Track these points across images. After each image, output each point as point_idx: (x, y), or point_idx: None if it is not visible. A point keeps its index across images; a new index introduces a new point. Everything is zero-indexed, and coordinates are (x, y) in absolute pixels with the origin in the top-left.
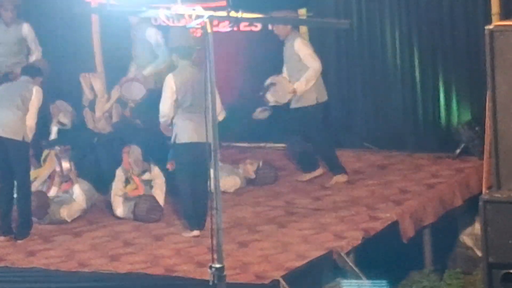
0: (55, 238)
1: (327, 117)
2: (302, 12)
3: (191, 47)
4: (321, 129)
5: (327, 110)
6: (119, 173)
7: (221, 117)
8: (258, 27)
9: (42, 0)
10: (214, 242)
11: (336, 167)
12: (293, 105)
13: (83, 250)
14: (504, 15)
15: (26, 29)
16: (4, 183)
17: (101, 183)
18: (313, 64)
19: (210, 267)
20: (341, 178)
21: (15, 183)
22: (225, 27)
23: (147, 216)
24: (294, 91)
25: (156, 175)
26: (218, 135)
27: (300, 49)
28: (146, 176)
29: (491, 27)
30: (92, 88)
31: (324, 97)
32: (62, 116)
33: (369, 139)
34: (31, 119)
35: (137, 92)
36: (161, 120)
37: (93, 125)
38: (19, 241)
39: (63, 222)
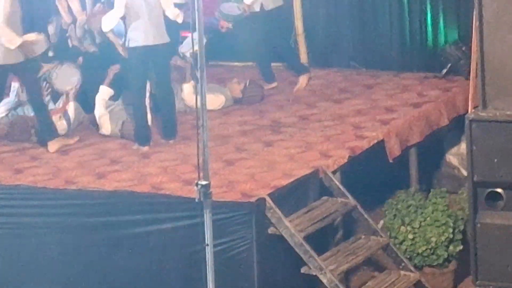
0: (42, 156)
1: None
2: None
3: None
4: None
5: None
6: (103, 90)
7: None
8: None
9: None
10: (200, 160)
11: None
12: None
13: (70, 167)
14: None
15: None
16: None
17: (87, 101)
18: None
19: (196, 184)
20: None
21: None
22: None
23: (134, 135)
24: None
25: None
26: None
27: None
28: None
29: None
30: (70, 11)
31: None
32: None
33: (356, 59)
34: None
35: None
36: (105, 30)
37: (78, 43)
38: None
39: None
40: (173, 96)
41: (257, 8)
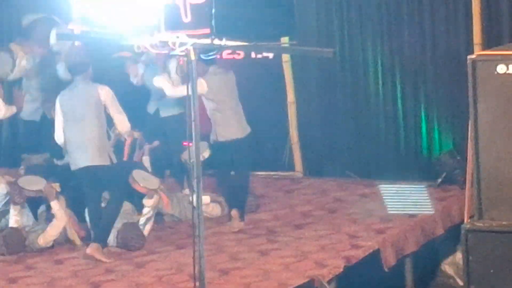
0: (36, 265)
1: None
2: (285, 40)
3: (84, 63)
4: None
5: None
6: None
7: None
8: (240, 55)
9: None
10: (196, 269)
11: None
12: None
13: (64, 277)
14: (486, 46)
15: None
16: None
17: (82, 209)
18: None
19: None
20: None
21: None
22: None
23: (129, 244)
24: None
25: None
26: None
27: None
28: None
29: (473, 56)
30: None
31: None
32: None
33: (351, 168)
34: None
35: None
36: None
37: None
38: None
39: (43, 250)
40: None
41: None
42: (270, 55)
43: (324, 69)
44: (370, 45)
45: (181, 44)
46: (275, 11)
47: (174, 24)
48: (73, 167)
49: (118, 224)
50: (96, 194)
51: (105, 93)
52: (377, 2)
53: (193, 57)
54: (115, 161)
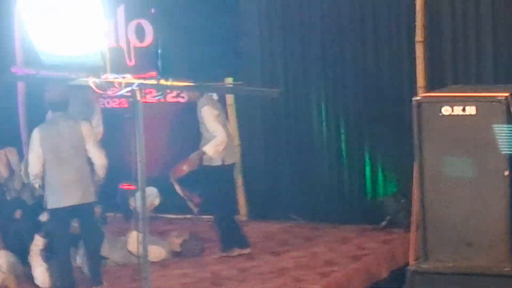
0: None
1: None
2: (229, 80)
3: (65, 101)
4: (224, 193)
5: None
6: (38, 239)
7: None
8: (185, 98)
9: None
10: None
11: (231, 241)
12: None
13: None
14: (429, 88)
15: None
16: None
17: (24, 254)
18: (217, 132)
19: None
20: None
21: None
22: (153, 98)
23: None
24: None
25: None
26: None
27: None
28: None
29: (418, 98)
30: (8, 164)
31: (231, 159)
32: None
33: (295, 211)
34: None
35: None
36: (31, 181)
37: (16, 195)
38: None
39: None
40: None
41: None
42: (215, 97)
43: (268, 112)
44: (314, 87)
45: (127, 85)
46: (220, 51)
47: (119, 67)
48: (53, 205)
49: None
50: (68, 234)
51: (87, 129)
52: (321, 44)
53: (139, 97)
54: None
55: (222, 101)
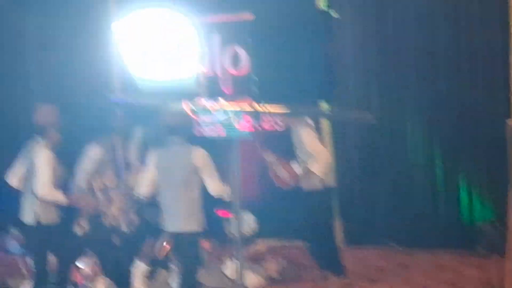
0: None
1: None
2: (323, 105)
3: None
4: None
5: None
6: (140, 265)
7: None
8: (281, 125)
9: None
10: None
11: (333, 267)
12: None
13: None
14: None
15: None
16: None
17: (123, 280)
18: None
19: None
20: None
21: None
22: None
23: None
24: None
25: None
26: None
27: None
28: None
29: None
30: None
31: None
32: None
33: (391, 237)
34: None
35: None
36: (140, 195)
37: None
38: None
39: None
40: None
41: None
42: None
43: (364, 138)
44: (408, 113)
45: (223, 111)
46: (315, 77)
47: (214, 94)
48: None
49: None
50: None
51: (200, 156)
52: (415, 70)
53: (235, 123)
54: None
55: (317, 127)
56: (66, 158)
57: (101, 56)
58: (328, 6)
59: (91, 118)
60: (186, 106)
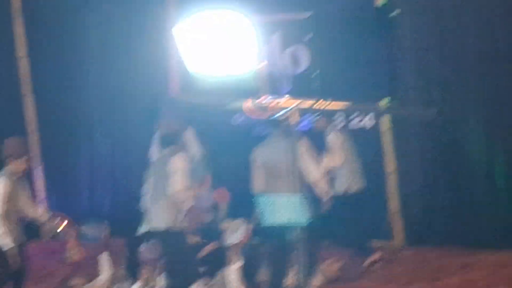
0: None
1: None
2: (384, 102)
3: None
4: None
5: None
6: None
7: None
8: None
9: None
10: None
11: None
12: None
13: None
14: None
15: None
16: None
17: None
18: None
19: None
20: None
21: None
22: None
23: None
24: None
25: None
26: None
27: (331, 141)
28: None
29: None
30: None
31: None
32: None
33: (451, 236)
34: None
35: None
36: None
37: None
38: None
39: None
40: None
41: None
42: (370, 123)
43: (424, 136)
44: (470, 109)
45: (284, 108)
46: (376, 73)
47: (275, 92)
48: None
49: None
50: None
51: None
52: (478, 65)
53: (295, 120)
54: None
55: (377, 125)
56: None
57: (160, 57)
58: (388, 1)
59: (151, 118)
60: (247, 105)
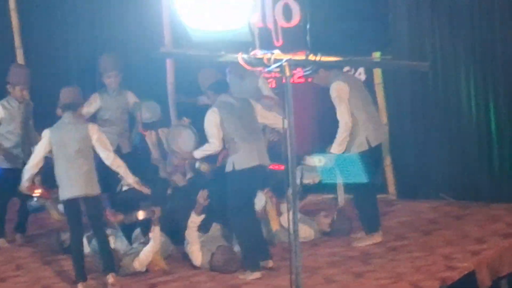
0: None
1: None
2: (376, 55)
3: (223, 81)
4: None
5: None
6: (194, 216)
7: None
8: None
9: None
10: None
11: (370, 225)
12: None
13: None
14: None
15: (131, 97)
16: None
17: (176, 234)
18: (341, 120)
19: None
20: (371, 239)
21: None
22: (300, 79)
23: (224, 267)
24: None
25: None
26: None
27: (333, 96)
28: None
29: None
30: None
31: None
32: None
33: (444, 189)
34: None
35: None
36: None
37: (167, 176)
38: None
39: (137, 273)
40: None
41: None
42: (362, 77)
43: (416, 89)
44: (462, 62)
45: (276, 61)
46: (368, 26)
47: (267, 46)
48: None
49: (212, 247)
50: None
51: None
52: (470, 19)
53: (288, 73)
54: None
55: (369, 79)
56: None
57: (151, 11)
58: None
59: (144, 72)
60: (240, 58)
